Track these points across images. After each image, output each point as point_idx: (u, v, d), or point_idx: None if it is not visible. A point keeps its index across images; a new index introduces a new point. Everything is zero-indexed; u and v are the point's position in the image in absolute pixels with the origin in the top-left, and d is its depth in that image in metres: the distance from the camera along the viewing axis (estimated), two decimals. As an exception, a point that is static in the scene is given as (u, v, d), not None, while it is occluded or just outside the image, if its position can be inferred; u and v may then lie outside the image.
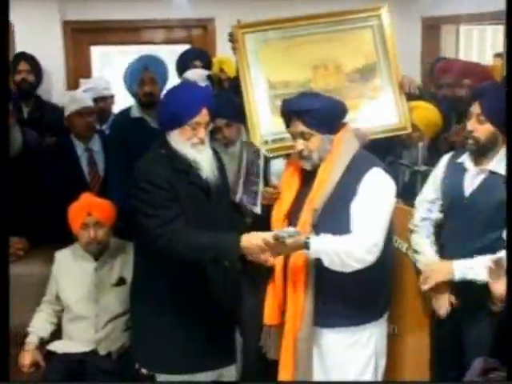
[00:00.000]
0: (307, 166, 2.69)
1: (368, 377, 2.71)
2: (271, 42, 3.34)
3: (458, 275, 2.72)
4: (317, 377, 2.69)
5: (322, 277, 2.60)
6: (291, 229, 2.54)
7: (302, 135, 2.65)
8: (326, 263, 2.53)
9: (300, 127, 2.64)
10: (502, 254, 2.42)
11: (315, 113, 2.60)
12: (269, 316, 2.77)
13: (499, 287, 2.33)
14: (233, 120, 3.29)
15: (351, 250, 2.51)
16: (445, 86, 4.15)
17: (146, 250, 2.77)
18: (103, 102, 4.47)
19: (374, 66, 3.33)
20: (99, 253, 3.29)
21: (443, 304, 2.82)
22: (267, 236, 2.51)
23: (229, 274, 2.80)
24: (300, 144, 2.66)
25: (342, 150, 2.65)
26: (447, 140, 3.65)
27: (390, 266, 2.74)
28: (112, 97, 4.58)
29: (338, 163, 2.63)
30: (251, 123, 3.26)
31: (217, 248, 2.57)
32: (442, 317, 2.83)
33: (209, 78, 4.10)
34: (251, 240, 2.53)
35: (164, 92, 3.87)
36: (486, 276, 2.49)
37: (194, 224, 2.66)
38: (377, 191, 2.59)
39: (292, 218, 2.70)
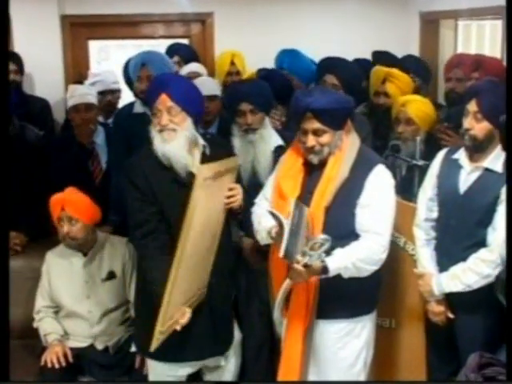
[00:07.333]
0: (315, 161, 2.66)
1: (359, 367, 2.74)
2: None
3: (436, 290, 2.75)
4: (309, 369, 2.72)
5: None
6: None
7: (315, 132, 2.61)
8: (345, 276, 2.54)
9: (315, 124, 2.60)
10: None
11: (333, 112, 2.58)
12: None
13: None
14: (259, 108, 3.19)
15: (368, 255, 2.54)
16: (454, 79, 4.17)
17: None
18: (111, 95, 4.47)
19: None
20: (87, 248, 3.26)
21: (437, 314, 2.81)
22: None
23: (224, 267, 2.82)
24: (311, 140, 2.62)
25: (348, 145, 2.65)
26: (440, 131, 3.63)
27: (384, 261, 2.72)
28: (119, 91, 4.56)
29: (346, 159, 2.62)
30: None
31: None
32: (436, 323, 2.84)
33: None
34: None
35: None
36: (464, 286, 2.62)
37: (175, 225, 2.56)
38: (384, 189, 2.63)
39: None
